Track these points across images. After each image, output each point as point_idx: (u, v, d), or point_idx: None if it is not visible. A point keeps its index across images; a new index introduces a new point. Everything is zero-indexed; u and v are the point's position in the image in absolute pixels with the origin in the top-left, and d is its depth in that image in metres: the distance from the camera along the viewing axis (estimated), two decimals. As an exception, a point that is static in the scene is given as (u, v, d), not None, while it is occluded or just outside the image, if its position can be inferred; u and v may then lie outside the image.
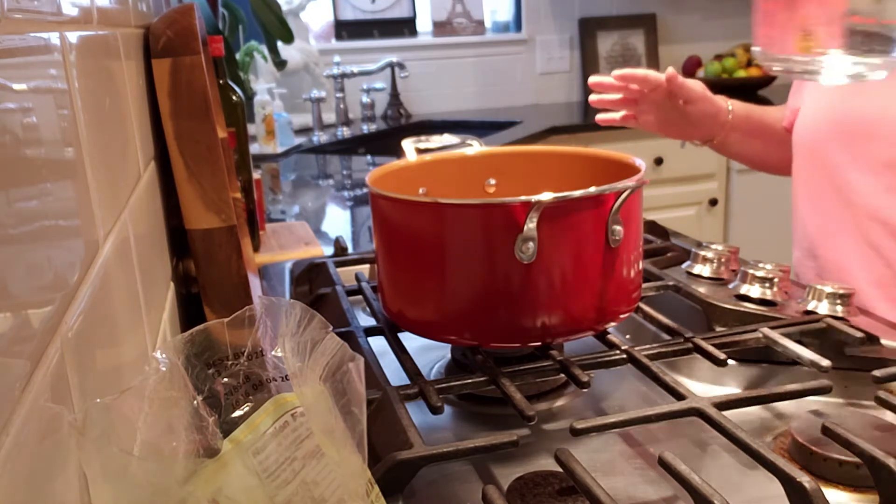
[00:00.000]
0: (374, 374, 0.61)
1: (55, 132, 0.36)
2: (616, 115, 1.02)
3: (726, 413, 0.53)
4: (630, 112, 1.00)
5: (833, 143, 0.85)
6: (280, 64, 1.70)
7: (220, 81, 0.98)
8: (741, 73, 2.62)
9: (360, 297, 0.80)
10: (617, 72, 0.96)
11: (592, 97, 1.02)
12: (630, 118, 1.00)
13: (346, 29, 2.61)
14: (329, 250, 1.01)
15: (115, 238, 0.46)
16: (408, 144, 0.81)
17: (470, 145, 0.84)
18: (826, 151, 0.86)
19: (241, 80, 1.63)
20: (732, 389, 0.66)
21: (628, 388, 0.67)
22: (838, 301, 0.70)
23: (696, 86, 0.97)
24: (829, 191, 0.86)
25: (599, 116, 1.04)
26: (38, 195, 0.32)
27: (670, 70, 0.94)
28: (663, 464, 0.47)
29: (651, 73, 0.94)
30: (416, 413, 0.56)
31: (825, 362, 0.60)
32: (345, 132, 2.31)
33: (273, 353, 0.40)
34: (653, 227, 0.99)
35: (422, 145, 0.81)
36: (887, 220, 0.79)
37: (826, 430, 0.50)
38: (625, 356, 0.63)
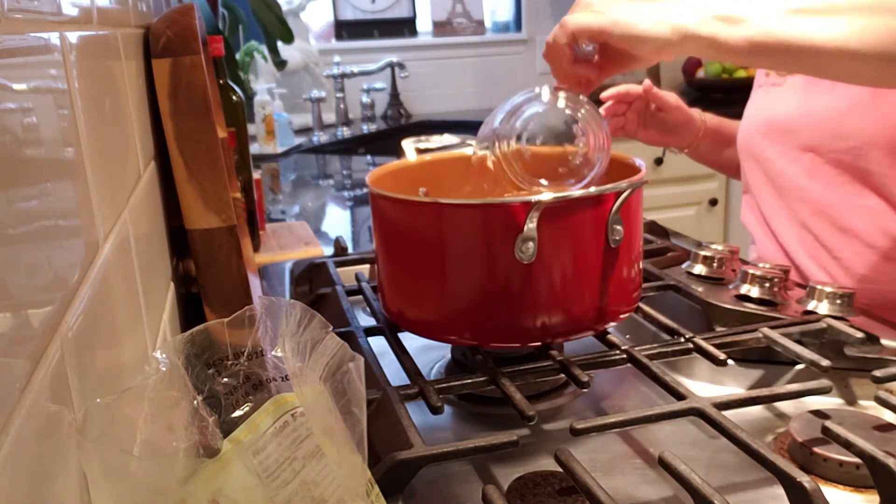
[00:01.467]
0: (374, 374, 0.61)
1: (55, 132, 0.36)
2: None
3: (726, 413, 0.53)
4: (618, 124, 1.13)
5: (763, 139, 0.98)
6: (280, 64, 1.70)
7: (221, 81, 0.98)
8: (741, 73, 2.62)
9: (360, 297, 0.80)
10: (605, 94, 1.10)
11: None
12: (619, 130, 1.13)
13: (346, 29, 2.61)
14: (329, 250, 1.01)
15: (115, 238, 0.46)
16: (408, 144, 0.81)
17: (470, 145, 0.84)
18: (760, 149, 0.99)
19: (241, 80, 1.64)
20: (732, 389, 0.66)
21: (628, 388, 0.67)
22: (838, 301, 0.70)
23: (669, 97, 1.11)
24: (765, 182, 0.99)
25: None
26: (38, 195, 0.32)
27: (646, 82, 1.09)
28: (663, 464, 0.48)
29: (631, 87, 1.09)
30: (416, 413, 0.56)
31: (825, 362, 0.60)
32: (345, 132, 2.31)
33: (273, 353, 0.40)
34: (653, 227, 0.99)
35: (422, 145, 0.82)
36: (811, 200, 0.91)
37: (826, 431, 0.50)
38: (625, 356, 0.63)
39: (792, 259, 0.96)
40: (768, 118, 0.99)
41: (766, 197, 0.99)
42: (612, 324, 0.65)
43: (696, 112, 1.14)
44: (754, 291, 0.73)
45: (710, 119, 1.15)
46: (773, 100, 0.99)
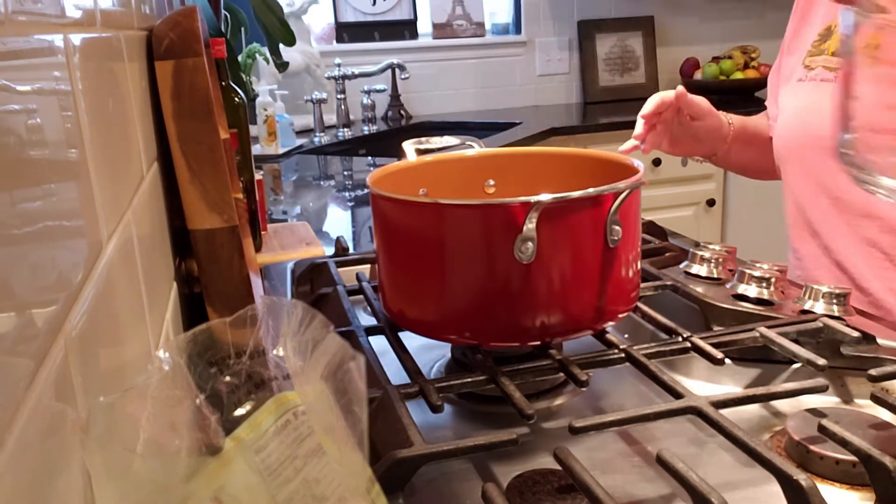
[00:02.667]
0: (374, 372, 0.61)
1: (59, 133, 0.36)
2: (638, 144, 1.01)
3: (724, 411, 0.53)
4: (651, 140, 1.02)
5: (815, 147, 0.88)
6: (282, 66, 1.70)
7: (223, 83, 0.98)
8: (738, 75, 2.63)
9: (360, 296, 0.80)
10: (642, 113, 0.99)
11: (627, 145, 0.99)
12: (650, 145, 1.02)
13: (346, 31, 2.61)
14: (330, 250, 1.01)
15: (118, 238, 0.46)
16: (408, 146, 0.81)
17: (470, 146, 0.84)
18: (808, 155, 0.89)
19: (243, 81, 1.64)
20: (730, 388, 0.66)
21: (627, 387, 0.68)
22: (835, 301, 0.70)
23: (702, 102, 1.00)
24: (817, 193, 0.89)
25: (623, 147, 1.00)
26: (42, 196, 0.33)
27: (680, 88, 0.99)
28: (661, 462, 0.48)
29: (664, 95, 0.98)
30: (417, 412, 0.56)
31: (821, 361, 0.60)
32: (346, 133, 2.31)
33: (275, 352, 0.40)
34: (651, 228, 1.00)
35: (422, 146, 0.82)
36: (880, 216, 0.82)
37: (822, 429, 0.51)
38: (623, 355, 0.63)
39: (854, 281, 0.86)
40: (820, 120, 0.86)
41: (820, 211, 0.88)
42: (611, 323, 0.66)
43: (722, 115, 1.04)
44: (751, 291, 0.73)
45: (735, 119, 1.05)
46: (823, 98, 0.87)
